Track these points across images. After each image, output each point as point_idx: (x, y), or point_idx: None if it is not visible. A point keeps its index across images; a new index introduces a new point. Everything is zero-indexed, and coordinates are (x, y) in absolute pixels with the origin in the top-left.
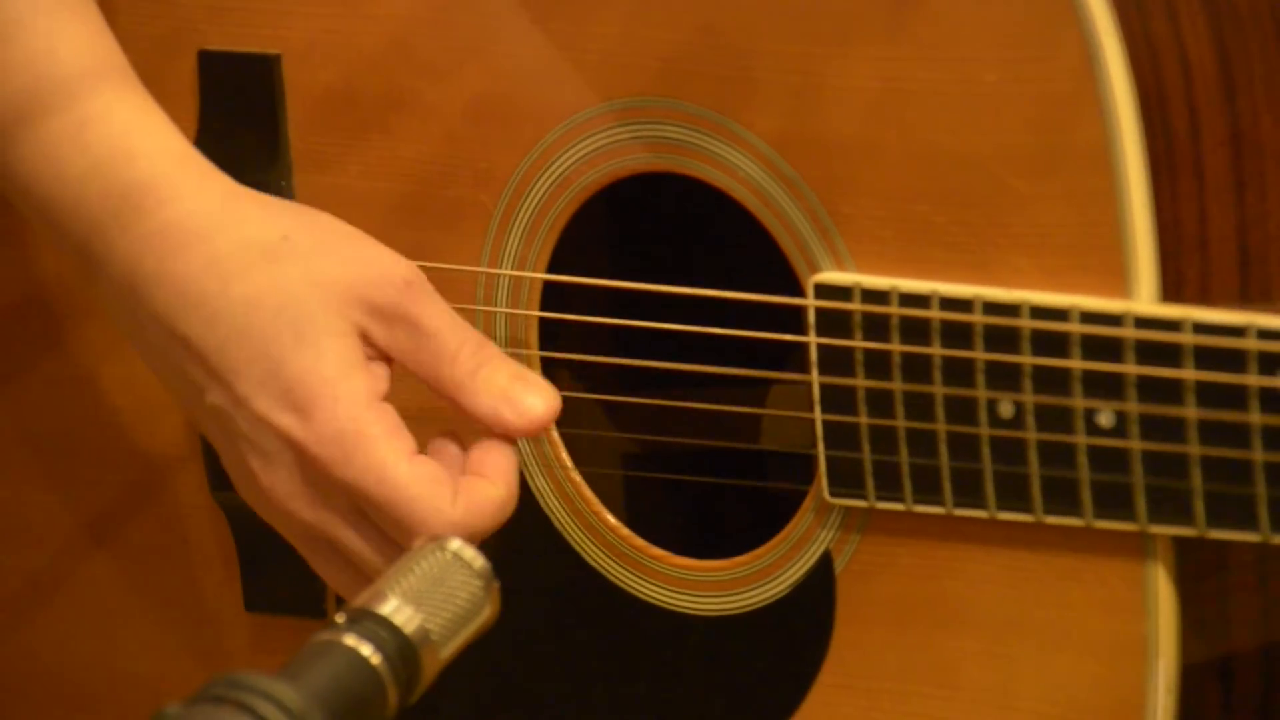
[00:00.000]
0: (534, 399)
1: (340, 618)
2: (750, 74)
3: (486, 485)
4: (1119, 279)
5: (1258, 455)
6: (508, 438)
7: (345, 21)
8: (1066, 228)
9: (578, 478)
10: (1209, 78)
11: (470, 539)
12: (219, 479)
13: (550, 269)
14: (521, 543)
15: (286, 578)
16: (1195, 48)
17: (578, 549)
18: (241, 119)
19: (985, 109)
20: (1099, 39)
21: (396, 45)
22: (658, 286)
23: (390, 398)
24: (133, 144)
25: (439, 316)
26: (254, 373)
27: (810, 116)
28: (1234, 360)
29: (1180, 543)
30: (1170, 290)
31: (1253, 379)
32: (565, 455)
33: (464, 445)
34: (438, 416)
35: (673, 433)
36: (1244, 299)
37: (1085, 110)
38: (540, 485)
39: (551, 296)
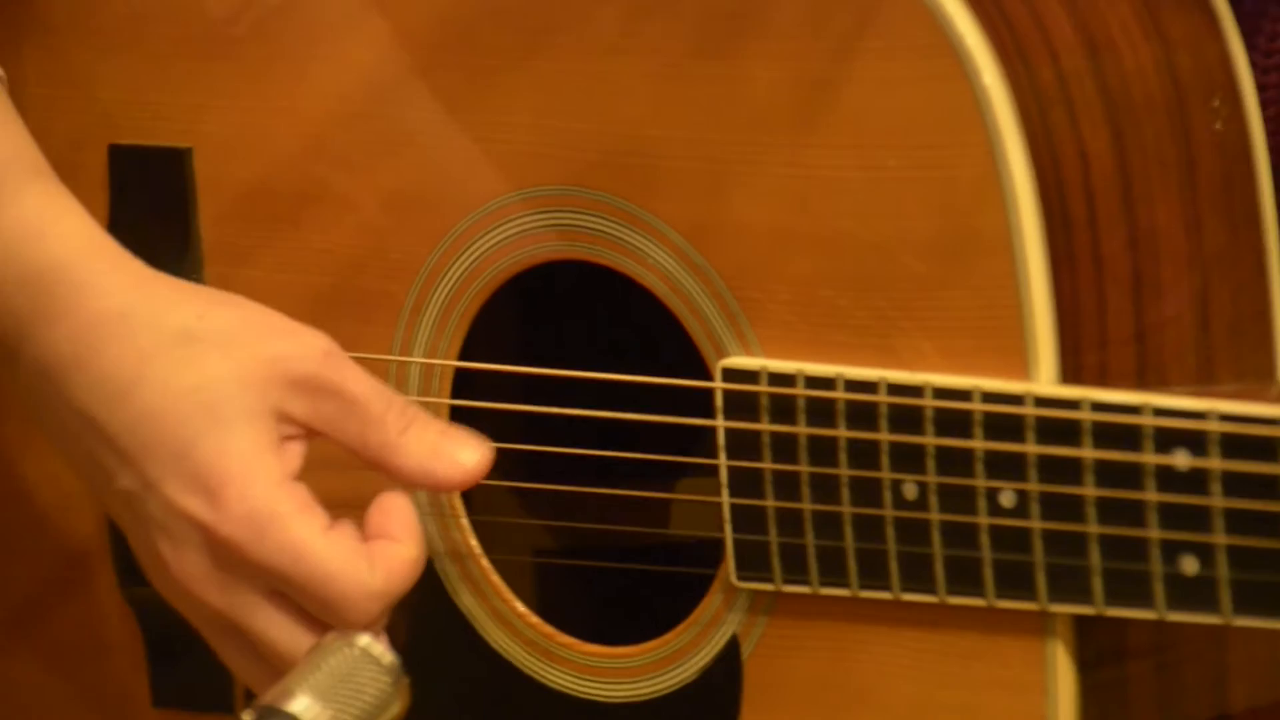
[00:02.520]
0: (466, 452)
1: (248, 715)
2: (660, 163)
3: (398, 547)
4: (1020, 361)
5: (1154, 533)
6: (401, 493)
7: (259, 116)
8: (969, 311)
9: (486, 564)
10: (1106, 167)
11: (390, 603)
12: (129, 575)
13: (462, 357)
14: (430, 631)
15: (195, 672)
16: (1093, 139)
17: (486, 637)
18: (152, 213)
19: (890, 196)
20: (1000, 128)
21: (310, 138)
22: (567, 372)
23: (305, 478)
24: (45, 228)
25: (361, 382)
26: (164, 455)
27: (719, 205)
28: (1131, 439)
29: (1080, 622)
30: (1069, 372)
31: (1149, 457)
32: (474, 542)
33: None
34: (359, 503)
35: (583, 518)
36: (1141, 381)
37: (987, 197)
38: (449, 572)
39: (463, 384)
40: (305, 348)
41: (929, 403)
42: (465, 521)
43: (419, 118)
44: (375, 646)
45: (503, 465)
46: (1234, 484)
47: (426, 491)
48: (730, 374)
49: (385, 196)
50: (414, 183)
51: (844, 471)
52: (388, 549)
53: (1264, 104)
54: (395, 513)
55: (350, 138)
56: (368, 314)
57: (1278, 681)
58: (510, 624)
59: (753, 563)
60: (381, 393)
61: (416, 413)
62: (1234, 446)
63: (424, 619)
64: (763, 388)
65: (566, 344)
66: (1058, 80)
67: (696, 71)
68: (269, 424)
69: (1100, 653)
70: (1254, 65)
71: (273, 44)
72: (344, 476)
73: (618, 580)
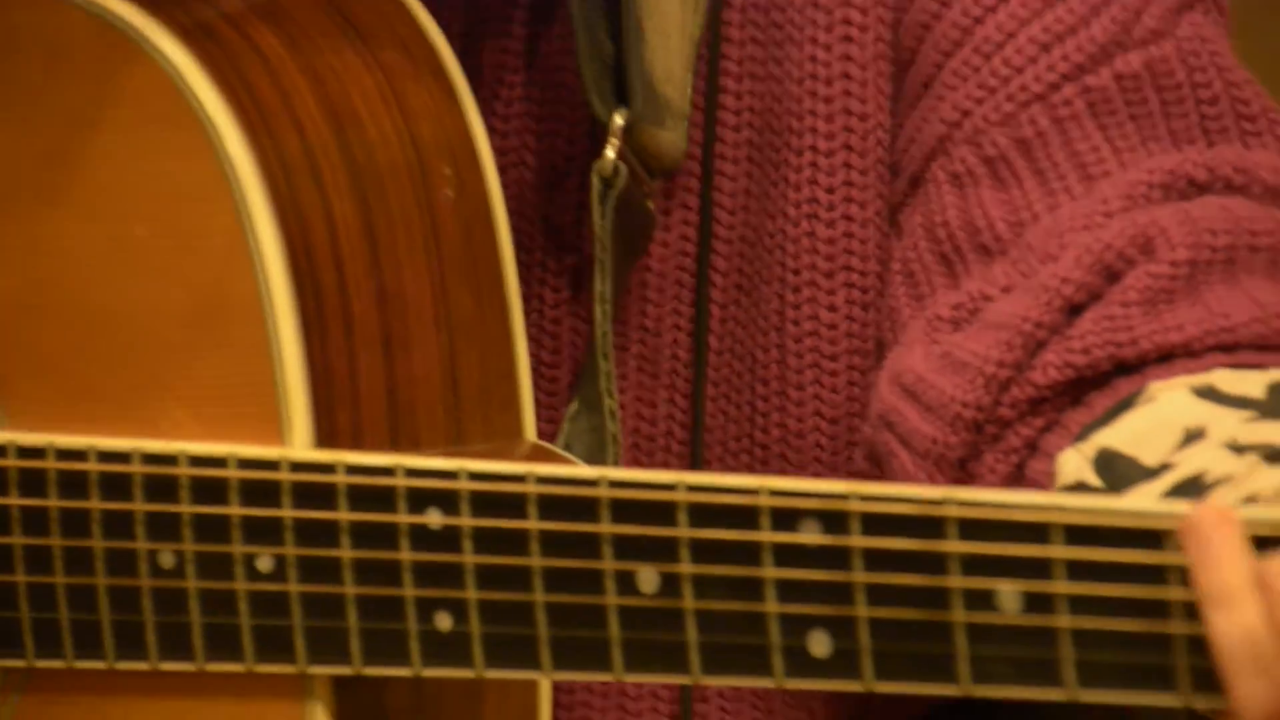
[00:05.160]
0: None
1: None
2: None
3: None
4: (275, 427)
5: (409, 592)
6: None
7: None
8: (223, 380)
9: None
10: (353, 234)
11: None
12: None
13: None
14: None
15: None
16: (340, 205)
17: None
18: None
19: (140, 266)
20: (247, 197)
21: None
22: None
23: None
24: None
25: None
26: None
27: None
28: (385, 500)
29: (340, 683)
30: (324, 438)
31: (403, 518)
32: None
33: None
34: None
35: None
36: (394, 443)
37: (237, 265)
38: None
39: None
40: None
41: (184, 471)
42: None
43: None
44: None
45: None
46: (484, 540)
47: None
48: None
49: None
50: None
51: (98, 543)
52: None
53: (503, 168)
54: None
55: None
56: None
57: None
58: None
59: (4, 639)
60: None
61: None
62: (483, 504)
63: None
64: (13, 462)
65: None
66: (304, 150)
67: None
68: None
69: (362, 713)
70: (493, 130)
71: None
72: None
73: None
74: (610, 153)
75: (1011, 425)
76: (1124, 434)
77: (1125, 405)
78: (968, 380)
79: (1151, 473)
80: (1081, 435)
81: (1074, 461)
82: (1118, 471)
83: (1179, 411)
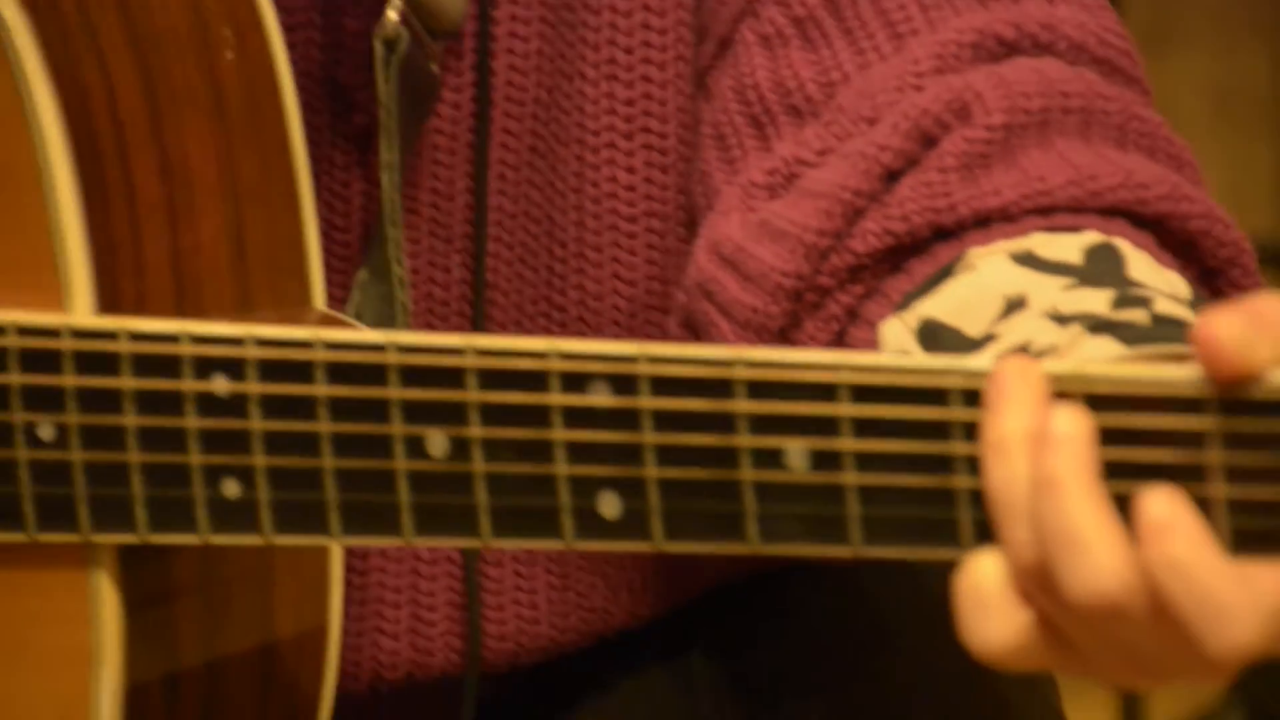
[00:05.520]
0: None
1: None
2: None
3: None
4: (57, 297)
5: (195, 459)
6: None
7: None
8: (4, 249)
9: None
10: (134, 100)
11: None
12: None
13: None
14: None
15: None
16: (119, 70)
17: None
18: None
19: None
20: (22, 61)
21: None
22: None
23: None
24: None
25: None
26: None
27: None
28: (170, 367)
29: (126, 553)
30: (107, 307)
31: (188, 384)
32: None
33: None
34: None
35: None
36: (180, 310)
37: (14, 132)
38: None
39: None
40: None
41: None
42: None
43: None
44: None
45: None
46: (272, 406)
47: None
48: None
49: None
50: None
51: None
52: None
53: (289, 28)
54: None
55: None
56: None
57: (319, 608)
58: None
59: None
60: None
61: None
62: (270, 370)
63: None
64: None
65: None
66: (79, 11)
67: None
68: None
69: (148, 584)
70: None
71: None
72: None
73: None
74: (392, 14)
75: (831, 293)
76: (946, 304)
77: (945, 273)
78: (787, 249)
79: (975, 343)
80: (903, 304)
81: (897, 331)
82: (942, 342)
83: (999, 279)
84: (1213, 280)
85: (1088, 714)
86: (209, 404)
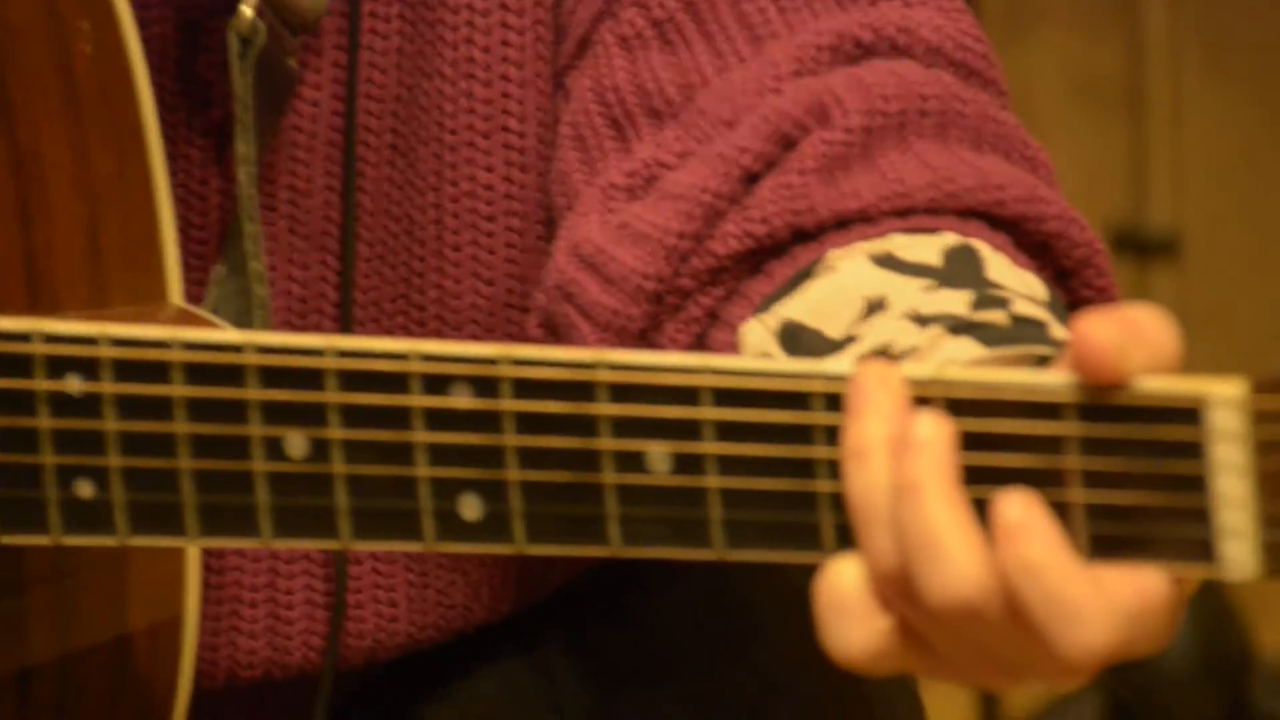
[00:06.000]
0: None
1: None
2: None
3: None
4: None
5: (48, 459)
6: None
7: None
8: None
9: None
10: None
11: None
12: None
13: None
14: None
15: None
16: None
17: None
18: None
19: None
20: None
21: None
22: None
23: None
24: None
25: None
26: None
27: None
28: (23, 366)
29: None
30: None
31: (41, 384)
32: None
33: None
34: None
35: None
36: (34, 307)
37: None
38: None
39: None
40: None
41: None
42: None
43: None
44: None
45: None
46: (127, 407)
47: None
48: None
49: None
50: None
51: None
52: None
53: (144, 23)
54: None
55: None
56: None
57: (173, 599)
58: None
59: None
60: None
61: None
62: (126, 370)
63: None
64: None
65: None
66: None
67: None
68: None
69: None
70: None
71: None
72: None
73: None
74: (247, 9)
75: (692, 295)
76: (806, 305)
77: (805, 275)
78: (648, 252)
79: (836, 345)
80: (763, 306)
81: (758, 334)
82: (803, 344)
83: (858, 280)
84: (1067, 281)
85: (946, 700)
86: (62, 404)
